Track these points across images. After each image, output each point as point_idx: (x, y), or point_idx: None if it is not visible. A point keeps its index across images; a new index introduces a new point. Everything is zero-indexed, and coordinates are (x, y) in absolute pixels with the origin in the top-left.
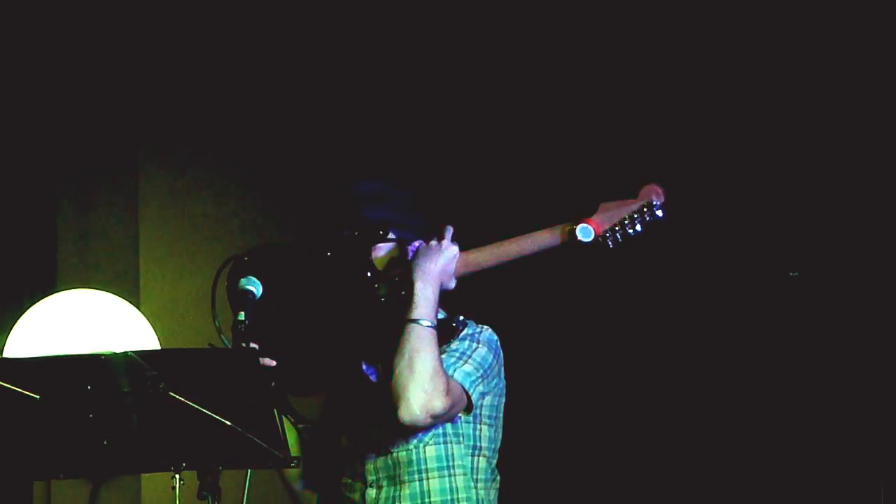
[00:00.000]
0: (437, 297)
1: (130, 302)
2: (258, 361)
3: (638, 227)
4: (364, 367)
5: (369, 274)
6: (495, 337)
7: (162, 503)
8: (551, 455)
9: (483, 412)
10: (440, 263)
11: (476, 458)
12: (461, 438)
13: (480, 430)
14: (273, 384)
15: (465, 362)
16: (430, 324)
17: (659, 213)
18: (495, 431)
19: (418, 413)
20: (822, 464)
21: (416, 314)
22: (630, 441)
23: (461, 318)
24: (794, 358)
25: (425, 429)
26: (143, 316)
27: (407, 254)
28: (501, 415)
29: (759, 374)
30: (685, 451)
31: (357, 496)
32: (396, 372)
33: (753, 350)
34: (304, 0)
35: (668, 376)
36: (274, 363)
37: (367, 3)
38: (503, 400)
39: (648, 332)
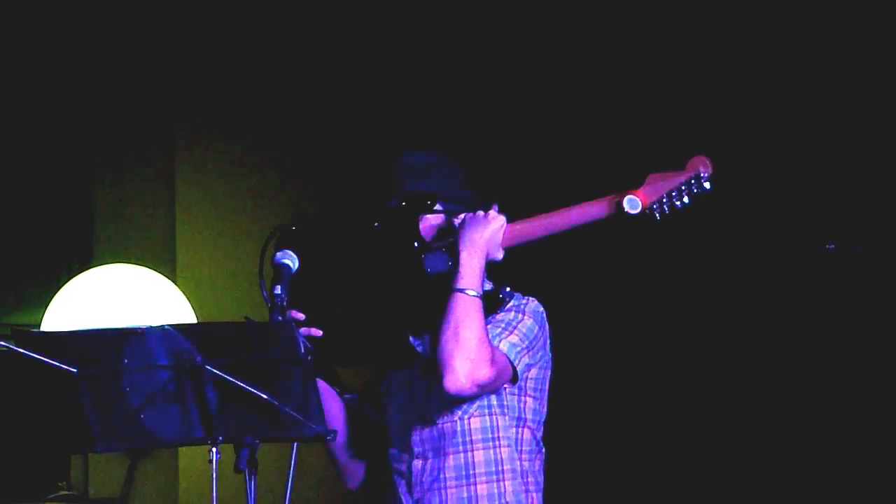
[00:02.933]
0: (483, 268)
1: (166, 276)
2: (300, 335)
3: (686, 200)
4: (411, 337)
5: (416, 245)
6: (541, 309)
7: (200, 477)
8: (596, 429)
9: (528, 384)
10: (487, 233)
11: (521, 430)
12: (506, 410)
13: (525, 402)
14: (315, 357)
15: (511, 333)
16: (476, 293)
17: (706, 185)
18: (540, 404)
19: (464, 382)
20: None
21: (462, 284)
22: (681, 415)
23: (508, 289)
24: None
25: (470, 399)
26: (179, 290)
27: (454, 226)
28: (547, 387)
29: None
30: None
31: (404, 467)
32: (442, 341)
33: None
34: None
35: (712, 343)
36: (320, 333)
37: None
38: (549, 373)
39: (691, 303)
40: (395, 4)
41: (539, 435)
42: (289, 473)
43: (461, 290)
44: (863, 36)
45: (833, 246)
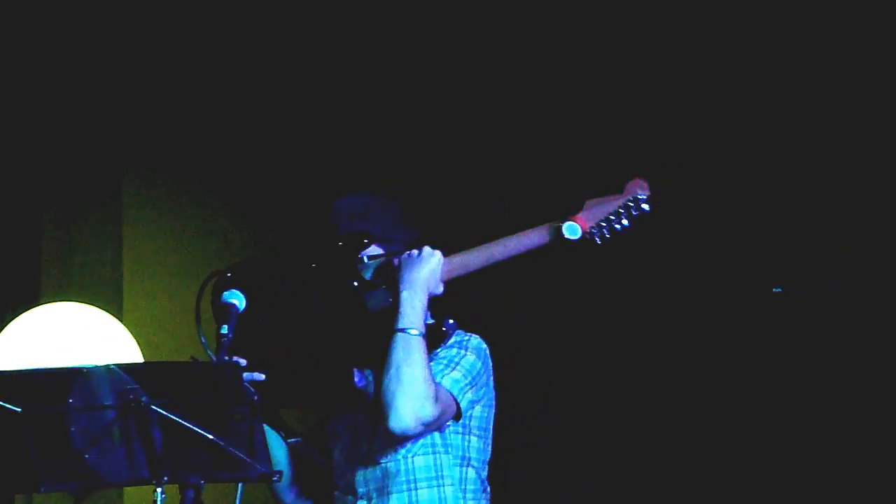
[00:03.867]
0: (424, 306)
1: (113, 315)
2: (243, 376)
3: (625, 222)
4: (355, 377)
5: (356, 284)
6: (484, 345)
7: None
8: (542, 466)
9: (472, 423)
10: (425, 271)
11: (465, 469)
12: (450, 449)
13: (469, 440)
14: (259, 399)
15: (453, 369)
16: (417, 332)
17: (645, 206)
18: (485, 443)
19: (408, 422)
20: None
21: (403, 323)
22: (621, 451)
23: (451, 321)
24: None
25: (414, 438)
26: (125, 329)
27: (392, 265)
28: (491, 426)
29: (743, 381)
30: (674, 460)
31: None
32: (385, 381)
33: (737, 357)
34: (282, 23)
35: (657, 382)
36: (262, 377)
37: (345, 25)
38: (493, 411)
39: (635, 338)
40: (330, 53)
41: (484, 475)
42: None
43: (402, 330)
44: (803, 71)
45: (781, 289)
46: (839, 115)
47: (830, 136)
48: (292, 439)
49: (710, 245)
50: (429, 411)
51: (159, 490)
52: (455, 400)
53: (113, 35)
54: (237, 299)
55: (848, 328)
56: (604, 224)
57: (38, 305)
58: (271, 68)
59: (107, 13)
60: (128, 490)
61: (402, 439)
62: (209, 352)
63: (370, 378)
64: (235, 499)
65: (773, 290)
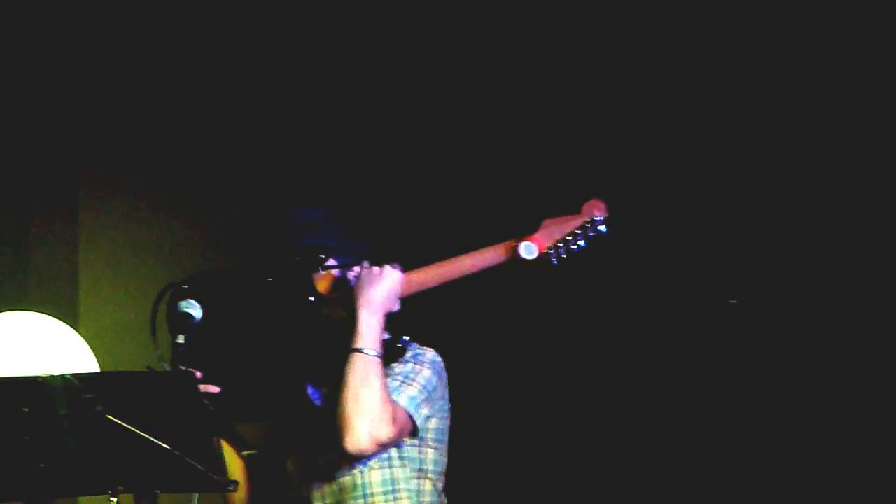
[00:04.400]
0: (381, 325)
1: (69, 324)
2: (199, 389)
3: (581, 243)
4: (309, 391)
5: (311, 298)
6: (439, 359)
7: None
8: (497, 477)
9: (429, 435)
10: (383, 290)
11: (422, 482)
12: (406, 462)
13: (426, 452)
14: (214, 410)
15: (409, 386)
16: (374, 353)
17: (602, 227)
18: (441, 454)
19: (364, 443)
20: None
21: (360, 343)
22: (578, 462)
23: (407, 338)
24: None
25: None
26: (81, 339)
27: (348, 279)
28: (447, 437)
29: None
30: (629, 472)
31: None
32: (342, 402)
33: (694, 372)
34: (236, 36)
35: (610, 396)
36: (217, 390)
37: (299, 38)
38: (448, 423)
39: (590, 351)
40: (289, 64)
41: (440, 486)
42: None
43: (359, 350)
44: (758, 85)
45: (736, 301)
46: (792, 127)
47: (787, 146)
48: (247, 452)
49: (665, 257)
50: (385, 432)
51: (114, 500)
52: (411, 417)
53: (68, 44)
54: (194, 309)
55: (804, 339)
56: (560, 245)
57: None
58: (226, 80)
59: (63, 21)
60: (82, 500)
61: (358, 456)
62: (163, 364)
63: (325, 392)
64: None
65: (730, 301)
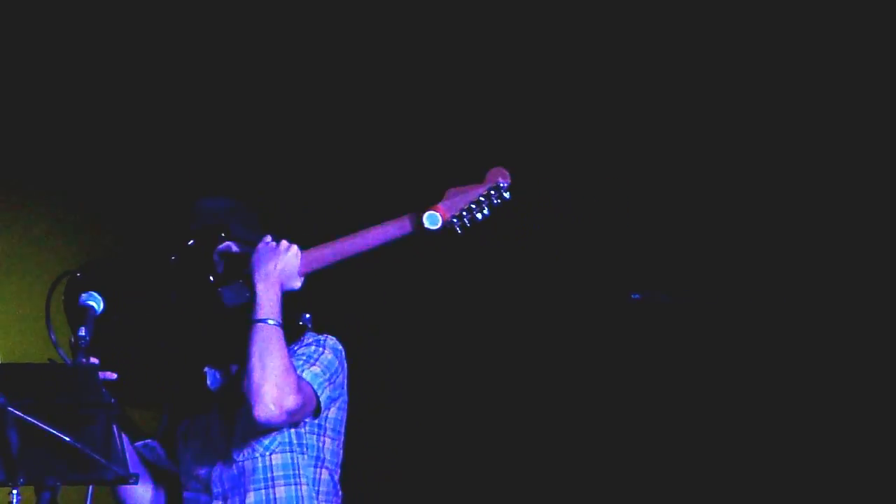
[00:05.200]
0: (279, 297)
1: None
2: (98, 376)
3: (486, 211)
4: (209, 374)
5: (212, 278)
6: (340, 347)
7: None
8: (393, 471)
9: (327, 424)
10: (280, 263)
11: (319, 470)
12: (305, 449)
13: (324, 441)
14: (113, 400)
15: (313, 364)
16: (275, 322)
17: (506, 194)
18: (338, 446)
19: (273, 409)
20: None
21: (261, 314)
22: (474, 453)
23: (307, 315)
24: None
25: (272, 435)
26: None
27: (247, 260)
28: (344, 429)
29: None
30: (536, 461)
31: None
32: (248, 371)
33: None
34: (128, 24)
35: (514, 384)
36: (115, 376)
37: (201, 30)
38: (345, 416)
39: (495, 338)
40: (186, 56)
41: (337, 477)
42: None
43: (261, 321)
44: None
45: (639, 296)
46: (711, 115)
47: (704, 135)
48: (139, 442)
49: (572, 245)
50: (293, 400)
51: (15, 492)
52: (315, 393)
53: None
54: (95, 301)
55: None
56: (465, 213)
57: None
58: (118, 65)
59: None
60: None
61: (259, 436)
62: (60, 351)
63: (223, 373)
64: (86, 501)
65: (632, 296)
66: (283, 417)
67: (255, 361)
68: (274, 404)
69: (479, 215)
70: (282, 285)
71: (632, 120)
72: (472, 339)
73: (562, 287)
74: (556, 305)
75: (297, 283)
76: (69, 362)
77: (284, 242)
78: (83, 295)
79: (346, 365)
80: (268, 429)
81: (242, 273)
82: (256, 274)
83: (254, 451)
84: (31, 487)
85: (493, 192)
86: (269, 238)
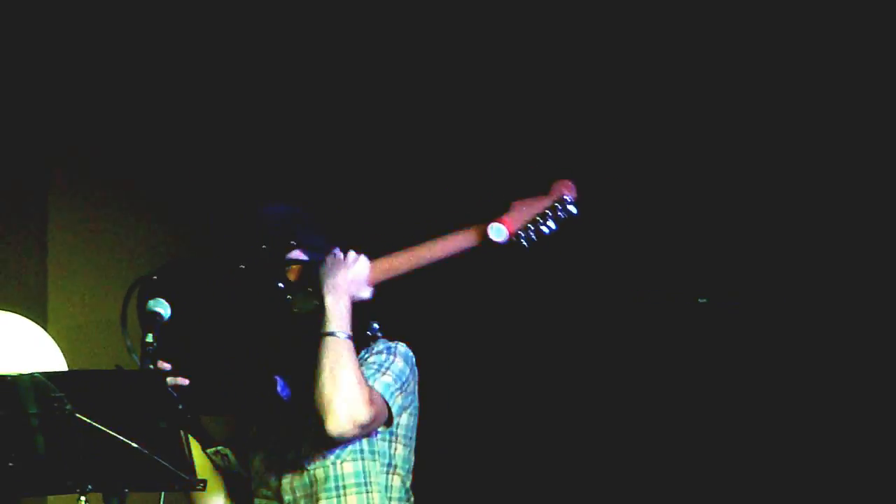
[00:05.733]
0: (349, 309)
1: (38, 323)
2: (167, 383)
3: (552, 224)
4: (279, 382)
5: (282, 286)
6: (411, 353)
7: None
8: (465, 476)
9: (399, 430)
10: (350, 274)
11: (391, 476)
12: (377, 456)
13: (396, 448)
14: (182, 407)
15: (384, 374)
16: (346, 335)
17: (572, 208)
18: (410, 452)
19: (345, 424)
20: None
21: (331, 327)
22: (549, 463)
23: (375, 325)
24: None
25: (343, 444)
26: (50, 337)
27: (316, 268)
28: (415, 435)
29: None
30: (597, 472)
31: None
32: (319, 385)
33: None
34: (205, 30)
35: (585, 393)
36: (186, 382)
37: (263, 33)
38: (416, 421)
39: (562, 347)
40: (256, 61)
41: (408, 483)
42: None
43: (331, 334)
44: (725, 94)
45: (706, 300)
46: (765, 124)
47: (760, 146)
48: (211, 448)
49: (636, 252)
50: (365, 414)
51: (83, 499)
52: (387, 404)
53: (35, 42)
54: (162, 308)
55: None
56: (530, 226)
57: None
58: (194, 75)
59: (26, 19)
60: (51, 499)
61: (331, 445)
62: (135, 356)
63: (295, 382)
64: None
65: (699, 300)
66: (356, 431)
67: (327, 375)
68: (346, 419)
69: (544, 228)
70: (351, 296)
71: (711, 117)
72: (544, 340)
73: (633, 285)
74: (626, 305)
75: (367, 294)
76: (139, 367)
77: (352, 253)
78: (150, 301)
79: (416, 371)
80: (336, 441)
81: (311, 281)
82: (325, 286)
83: (324, 459)
84: (100, 494)
85: (557, 206)
86: (337, 250)
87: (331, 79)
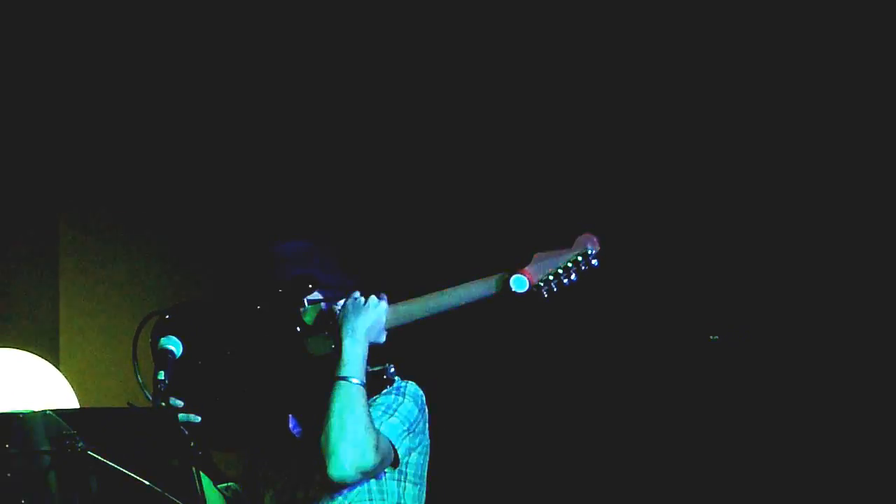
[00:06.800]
0: (365, 354)
1: (50, 361)
2: (179, 419)
3: (573, 277)
4: (291, 421)
5: (298, 329)
6: (421, 392)
7: None
8: None
9: (409, 470)
10: (369, 320)
11: None
12: (385, 496)
13: (405, 487)
14: (193, 444)
15: (392, 416)
16: (359, 381)
17: (594, 262)
18: (420, 490)
19: (348, 470)
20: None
21: (344, 371)
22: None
23: (392, 369)
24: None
25: (354, 484)
26: (62, 375)
27: (333, 311)
28: (426, 473)
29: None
30: None
31: None
32: (326, 429)
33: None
34: (212, 60)
35: (597, 434)
36: (198, 419)
37: (274, 67)
38: (427, 458)
39: (571, 389)
40: (261, 91)
41: None
42: None
43: (344, 378)
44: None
45: (718, 338)
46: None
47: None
48: (222, 484)
49: (649, 293)
50: (370, 460)
51: None
52: (393, 447)
53: (43, 81)
54: (174, 346)
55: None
56: (552, 278)
57: None
58: (199, 114)
59: (35, 57)
60: None
61: (339, 486)
62: (146, 392)
63: (306, 423)
64: None
65: (710, 338)
66: (358, 477)
67: (335, 420)
68: (349, 466)
69: (566, 281)
70: (369, 341)
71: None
72: (556, 386)
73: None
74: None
75: (383, 338)
76: (151, 403)
77: (373, 298)
78: (162, 339)
79: (426, 410)
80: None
81: (328, 324)
82: (343, 330)
83: (332, 500)
84: None
85: (580, 259)
86: (357, 294)
87: (352, 116)
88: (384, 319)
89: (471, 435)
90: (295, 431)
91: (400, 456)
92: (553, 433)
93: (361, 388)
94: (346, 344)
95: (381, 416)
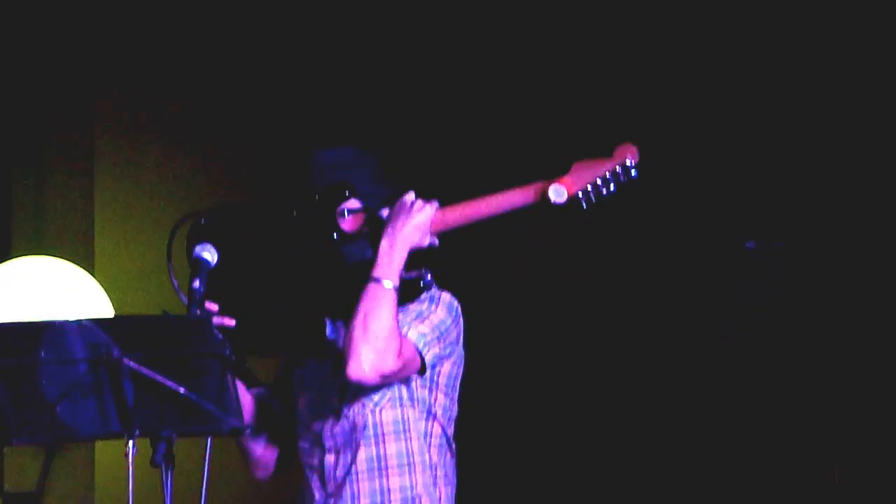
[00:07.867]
0: (402, 257)
1: (85, 269)
2: (212, 327)
3: (612, 188)
4: (328, 327)
5: (335, 235)
6: (456, 303)
7: (116, 471)
8: (509, 429)
9: (441, 380)
10: (411, 223)
11: (430, 423)
12: (416, 403)
13: (436, 396)
14: (228, 349)
15: (422, 323)
16: (392, 284)
17: (633, 173)
18: (451, 401)
19: (367, 372)
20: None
21: (378, 273)
22: (589, 422)
23: (429, 275)
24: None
25: (381, 391)
26: (97, 283)
27: (374, 219)
28: (458, 385)
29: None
30: (636, 434)
31: (316, 461)
32: (350, 329)
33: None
34: None
35: (631, 350)
36: (233, 323)
37: None
38: (461, 370)
39: (611, 304)
40: (307, 6)
41: (450, 432)
42: (204, 467)
43: (376, 280)
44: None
45: (753, 244)
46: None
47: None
48: (254, 389)
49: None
50: (390, 365)
51: (131, 443)
52: (419, 353)
53: None
54: (209, 254)
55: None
56: (591, 189)
57: (9, 259)
58: (245, 16)
59: None
60: (99, 444)
61: (369, 391)
62: (181, 294)
63: (341, 329)
64: (206, 452)
65: (747, 245)
66: (377, 380)
67: (359, 321)
68: (369, 367)
69: (604, 191)
70: (411, 244)
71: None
72: (589, 301)
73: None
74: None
75: (427, 242)
76: (186, 306)
77: (420, 202)
78: (197, 247)
79: (461, 321)
80: (368, 387)
81: (369, 229)
82: (385, 231)
83: (364, 406)
84: (147, 439)
85: (620, 170)
86: (407, 196)
87: (397, 23)
88: (427, 223)
89: (503, 349)
90: (331, 336)
91: (427, 363)
92: (589, 348)
93: (392, 291)
94: (384, 246)
95: (412, 321)
